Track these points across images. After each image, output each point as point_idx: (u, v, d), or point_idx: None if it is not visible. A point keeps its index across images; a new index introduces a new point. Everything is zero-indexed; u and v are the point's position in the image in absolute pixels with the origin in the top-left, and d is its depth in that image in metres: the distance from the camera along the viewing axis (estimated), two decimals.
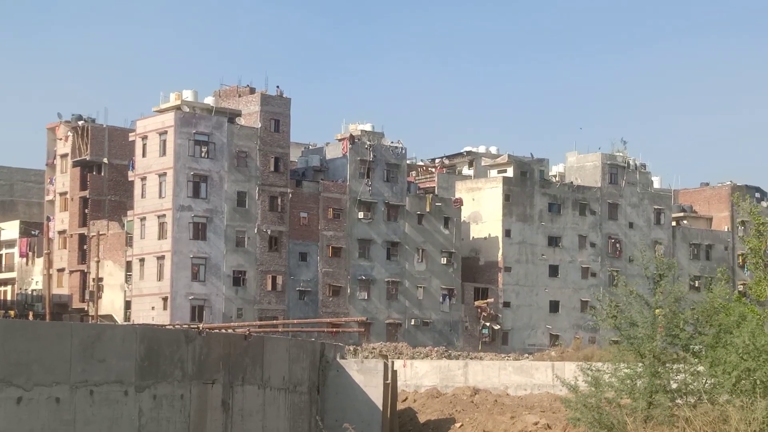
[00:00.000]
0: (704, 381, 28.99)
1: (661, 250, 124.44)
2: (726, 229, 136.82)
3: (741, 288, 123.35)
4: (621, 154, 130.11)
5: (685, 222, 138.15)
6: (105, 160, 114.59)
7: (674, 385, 29.37)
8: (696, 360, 29.84)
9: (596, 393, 30.09)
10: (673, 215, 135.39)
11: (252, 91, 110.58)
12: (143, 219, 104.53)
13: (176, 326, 44.57)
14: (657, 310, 30.35)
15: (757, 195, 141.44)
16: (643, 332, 29.94)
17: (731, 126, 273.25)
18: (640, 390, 29.45)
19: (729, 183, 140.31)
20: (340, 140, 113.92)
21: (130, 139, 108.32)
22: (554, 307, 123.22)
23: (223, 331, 36.18)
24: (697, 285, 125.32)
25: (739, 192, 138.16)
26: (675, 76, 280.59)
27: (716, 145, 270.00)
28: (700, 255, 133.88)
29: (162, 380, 24.26)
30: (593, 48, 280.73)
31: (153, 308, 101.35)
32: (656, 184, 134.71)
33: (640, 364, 29.97)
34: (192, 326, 36.11)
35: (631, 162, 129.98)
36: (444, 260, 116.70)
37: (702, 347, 29.80)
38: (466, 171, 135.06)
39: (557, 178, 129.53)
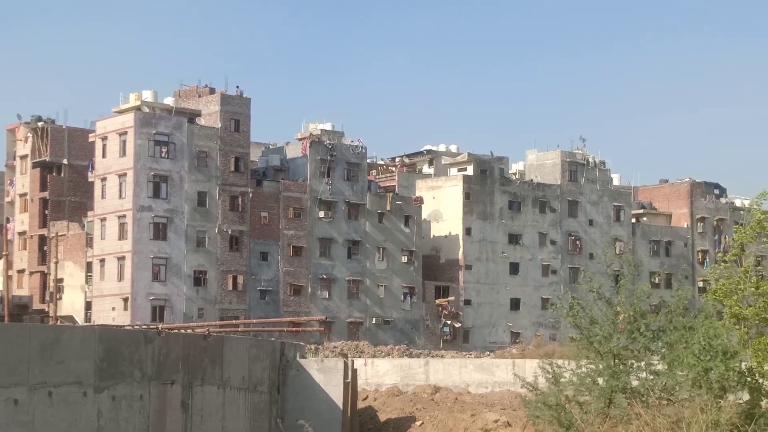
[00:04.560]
0: (663, 380, 29.11)
1: (621, 247, 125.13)
2: (685, 226, 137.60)
3: (701, 284, 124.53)
4: (580, 151, 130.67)
5: (644, 219, 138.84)
6: (65, 161, 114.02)
7: (635, 382, 29.44)
8: (657, 359, 29.93)
9: (556, 392, 30.14)
10: (633, 212, 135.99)
11: (212, 91, 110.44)
12: (103, 220, 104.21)
13: (136, 327, 44.54)
14: (618, 308, 30.41)
15: (716, 191, 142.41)
16: (602, 331, 29.95)
17: (690, 123, 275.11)
18: (599, 389, 29.49)
19: (688, 180, 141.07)
20: (300, 140, 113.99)
21: (90, 139, 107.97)
22: (515, 304, 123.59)
23: (183, 331, 36.21)
24: (657, 281, 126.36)
25: (698, 189, 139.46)
26: (634, 75, 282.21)
27: (675, 143, 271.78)
28: (659, 252, 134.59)
29: (121, 381, 24.33)
30: (553, 47, 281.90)
31: (114, 309, 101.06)
32: (616, 182, 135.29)
33: (601, 363, 29.99)
34: (151, 327, 36.11)
35: (590, 159, 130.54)
36: (405, 259, 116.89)
37: (663, 345, 29.86)
38: (427, 169, 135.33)
39: (517, 176, 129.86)
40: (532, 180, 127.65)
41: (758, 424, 27.08)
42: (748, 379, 28.59)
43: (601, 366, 29.81)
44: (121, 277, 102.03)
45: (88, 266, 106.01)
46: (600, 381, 29.62)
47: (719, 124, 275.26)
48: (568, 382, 30.28)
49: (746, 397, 28.93)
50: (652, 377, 29.35)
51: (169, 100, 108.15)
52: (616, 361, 29.75)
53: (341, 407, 36.23)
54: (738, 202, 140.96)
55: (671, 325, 29.94)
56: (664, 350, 29.79)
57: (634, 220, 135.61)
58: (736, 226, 33.16)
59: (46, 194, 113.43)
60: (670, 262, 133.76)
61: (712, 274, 31.27)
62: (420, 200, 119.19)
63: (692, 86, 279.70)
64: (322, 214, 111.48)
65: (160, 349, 26.21)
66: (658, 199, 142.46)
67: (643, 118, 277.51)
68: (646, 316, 30.10)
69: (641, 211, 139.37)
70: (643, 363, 29.66)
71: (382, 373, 57.57)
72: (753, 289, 29.47)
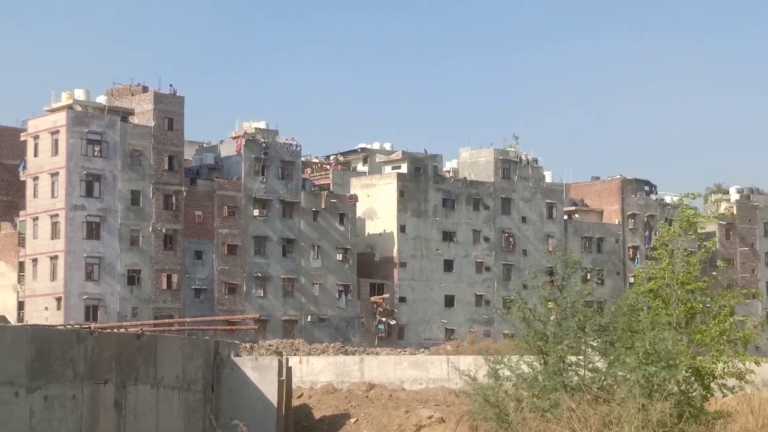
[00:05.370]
0: (602, 379, 29.24)
1: (554, 243, 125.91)
2: (616, 222, 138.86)
3: (632, 280, 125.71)
4: (513, 149, 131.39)
5: (576, 215, 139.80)
6: None
7: (575, 378, 29.50)
8: (597, 356, 30.02)
9: (496, 387, 30.16)
10: (565, 209, 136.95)
11: (145, 89, 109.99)
12: (36, 219, 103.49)
13: (69, 326, 44.39)
14: (549, 303, 30.51)
15: (647, 188, 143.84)
16: (550, 333, 29.92)
17: (620, 121, 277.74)
18: (539, 386, 29.52)
19: (619, 177, 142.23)
20: (234, 138, 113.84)
21: (22, 138, 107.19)
22: (449, 301, 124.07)
23: (116, 330, 36.15)
24: (588, 278, 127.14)
25: (629, 185, 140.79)
26: (564, 73, 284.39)
27: (606, 140, 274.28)
28: (591, 248, 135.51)
29: (53, 381, 24.31)
30: (484, 45, 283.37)
31: (47, 308, 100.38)
32: (548, 179, 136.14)
33: (541, 359, 30.03)
34: (84, 326, 36.03)
35: (523, 157, 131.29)
36: (339, 256, 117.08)
37: (604, 343, 29.97)
38: (361, 167, 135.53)
39: (451, 174, 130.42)
40: (465, 178, 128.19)
41: (689, 422, 27.35)
42: (687, 374, 28.85)
43: (541, 363, 29.88)
44: (53, 277, 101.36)
45: (21, 266, 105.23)
46: (540, 378, 29.66)
47: (649, 122, 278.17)
48: (507, 378, 30.35)
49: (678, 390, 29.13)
50: (590, 374, 29.43)
51: (101, 99, 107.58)
52: (557, 358, 29.81)
53: (276, 405, 36.31)
54: (668, 199, 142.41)
55: (612, 324, 30.01)
56: (597, 344, 29.93)
57: (566, 217, 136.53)
58: (662, 223, 33.50)
59: None
60: (602, 258, 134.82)
61: (640, 275, 31.50)
62: (354, 198, 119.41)
63: (622, 84, 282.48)
64: (256, 212, 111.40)
65: (92, 349, 26.20)
66: (589, 196, 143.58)
67: (574, 116, 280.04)
68: (592, 315, 30.07)
69: (573, 207, 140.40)
70: (582, 359, 29.72)
71: (317, 371, 57.68)
72: (682, 282, 29.78)
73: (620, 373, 28.40)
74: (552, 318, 30.22)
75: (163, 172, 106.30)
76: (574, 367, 29.57)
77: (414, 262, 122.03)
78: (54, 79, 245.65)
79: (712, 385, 29.45)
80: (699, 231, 32.38)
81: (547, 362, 29.75)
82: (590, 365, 29.51)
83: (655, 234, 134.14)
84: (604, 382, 29.02)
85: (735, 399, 32.90)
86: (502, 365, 30.62)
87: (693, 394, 28.96)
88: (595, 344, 29.88)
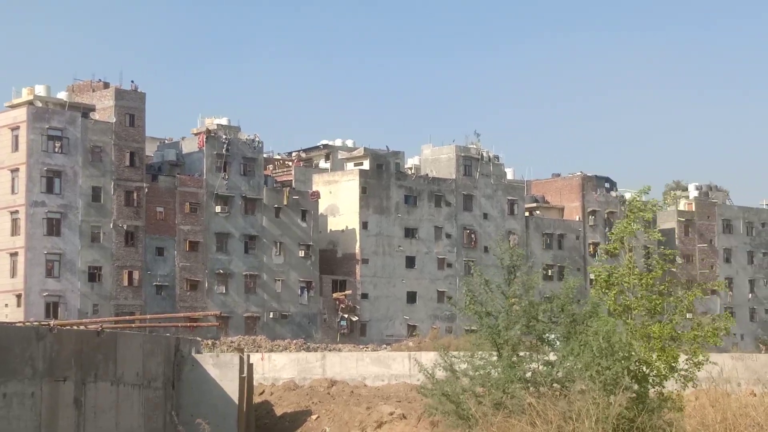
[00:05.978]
0: (556, 371, 29.39)
1: (515, 240, 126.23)
2: (577, 219, 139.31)
3: (592, 276, 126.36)
4: (475, 146, 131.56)
5: (537, 212, 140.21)
6: None
7: (529, 374, 29.71)
8: (549, 349, 30.24)
9: (452, 382, 30.30)
10: (526, 206, 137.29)
11: (106, 85, 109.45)
12: None
13: (28, 323, 44.17)
14: (512, 300, 30.70)
15: (607, 185, 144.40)
16: (502, 323, 30.16)
17: (580, 118, 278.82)
18: (494, 379, 29.69)
19: (579, 174, 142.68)
20: (196, 134, 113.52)
21: None
22: (411, 297, 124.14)
23: (76, 327, 36.05)
24: (550, 274, 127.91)
25: (589, 182, 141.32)
26: (526, 70, 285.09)
27: (566, 137, 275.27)
28: (552, 244, 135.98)
29: (12, 378, 24.21)
30: (446, 42, 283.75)
31: (6, 305, 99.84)
32: (509, 176, 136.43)
33: (495, 354, 30.23)
34: (43, 323, 35.90)
35: (484, 154, 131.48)
36: (302, 253, 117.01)
37: (557, 336, 30.19)
38: (323, 164, 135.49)
39: (413, 171, 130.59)
40: (427, 174, 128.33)
41: (646, 416, 27.54)
42: (637, 370, 29.03)
43: (495, 357, 30.06)
44: (13, 274, 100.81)
45: None
46: (494, 372, 29.82)
47: (609, 119, 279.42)
48: (463, 373, 30.50)
49: (636, 386, 29.35)
50: (545, 368, 29.60)
51: (62, 95, 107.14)
52: (511, 351, 29.99)
53: (237, 402, 36.35)
54: (628, 195, 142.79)
55: (563, 314, 30.26)
56: (556, 341, 30.11)
57: (527, 214, 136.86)
58: (618, 221, 33.75)
59: None
60: (563, 254, 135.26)
61: (594, 270, 31.71)
62: (317, 195, 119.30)
63: (582, 82, 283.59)
64: (218, 208, 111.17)
65: (51, 346, 26.12)
66: (550, 193, 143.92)
67: (535, 113, 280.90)
68: (541, 304, 30.40)
69: (534, 204, 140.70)
70: (535, 354, 29.91)
71: (280, 368, 57.69)
72: (636, 281, 29.99)
73: (571, 367, 28.58)
74: (515, 309, 30.47)
75: (125, 169, 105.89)
76: (527, 359, 29.79)
77: (376, 258, 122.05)
78: (14, 75, 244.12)
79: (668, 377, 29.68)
80: (657, 228, 32.74)
81: (501, 355, 29.95)
82: (544, 358, 29.74)
83: (610, 231, 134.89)
84: (558, 375, 29.21)
85: (694, 393, 33.18)
86: (458, 359, 30.84)
87: (651, 388, 29.20)
88: (547, 338, 30.14)
